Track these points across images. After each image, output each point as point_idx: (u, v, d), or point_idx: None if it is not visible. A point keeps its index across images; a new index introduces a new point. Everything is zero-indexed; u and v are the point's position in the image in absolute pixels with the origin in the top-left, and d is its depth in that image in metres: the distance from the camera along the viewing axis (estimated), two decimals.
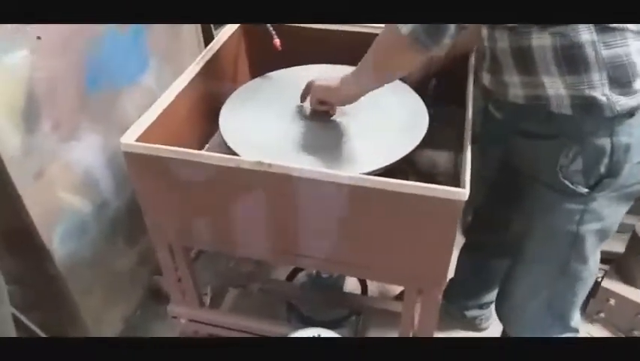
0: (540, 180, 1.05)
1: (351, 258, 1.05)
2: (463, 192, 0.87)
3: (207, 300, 1.46)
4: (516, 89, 0.99)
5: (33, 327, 1.39)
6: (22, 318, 1.37)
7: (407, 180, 0.91)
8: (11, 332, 1.09)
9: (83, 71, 1.29)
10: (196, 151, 0.98)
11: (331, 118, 1.19)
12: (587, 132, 0.95)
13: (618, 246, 1.65)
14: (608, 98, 0.90)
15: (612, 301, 1.58)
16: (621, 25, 0.87)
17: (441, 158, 1.24)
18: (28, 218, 1.21)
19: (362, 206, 0.94)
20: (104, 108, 1.38)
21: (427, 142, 1.13)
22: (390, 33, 0.94)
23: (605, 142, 0.94)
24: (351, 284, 1.59)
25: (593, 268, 1.15)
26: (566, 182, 1.00)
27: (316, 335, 1.12)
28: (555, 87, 0.93)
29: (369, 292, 1.54)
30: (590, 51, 0.88)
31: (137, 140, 1.01)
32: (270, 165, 0.94)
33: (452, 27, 0.87)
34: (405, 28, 0.89)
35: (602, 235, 1.10)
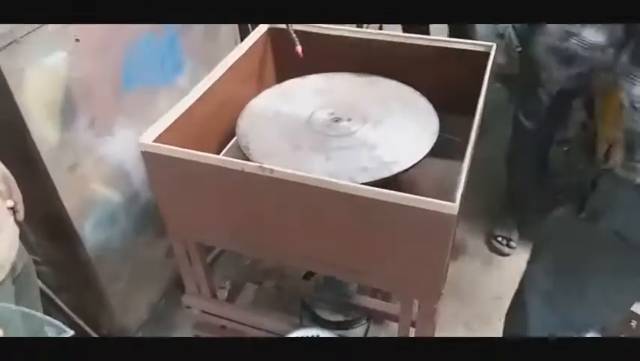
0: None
1: (347, 262, 1.08)
2: (453, 206, 0.88)
3: (225, 293, 1.53)
4: None
5: (64, 308, 1.50)
6: (55, 298, 1.48)
7: (412, 190, 0.93)
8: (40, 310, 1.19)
9: (119, 71, 1.39)
10: (204, 153, 1.03)
11: (342, 127, 1.22)
12: None
13: None
14: None
15: (634, 323, 1.53)
16: None
17: (449, 169, 1.24)
18: (62, 207, 1.31)
19: (357, 214, 0.97)
20: (139, 107, 1.47)
21: (436, 152, 1.14)
22: None
23: None
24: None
25: None
26: None
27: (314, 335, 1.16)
28: None
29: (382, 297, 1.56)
30: None
31: (155, 140, 1.08)
32: (271, 170, 0.98)
33: None
34: None
35: None
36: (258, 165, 0.99)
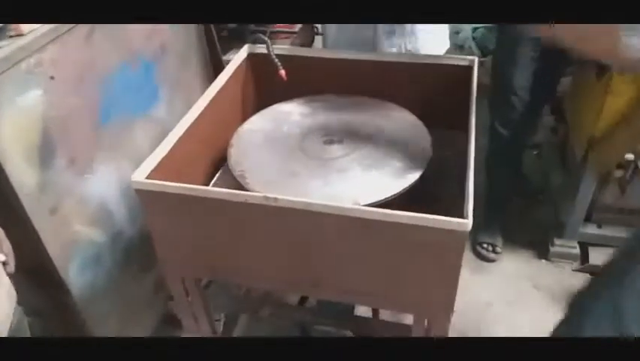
0: None
1: (357, 287, 1.06)
2: (466, 223, 0.89)
3: (220, 326, 1.48)
4: None
5: None
6: None
7: (412, 208, 0.92)
8: None
9: (96, 106, 1.34)
10: (204, 187, 1.01)
11: (335, 149, 1.21)
12: None
13: None
14: None
15: None
16: None
17: (447, 185, 1.25)
18: (46, 253, 1.25)
19: (365, 237, 0.96)
20: (117, 141, 1.43)
21: (431, 169, 1.14)
22: None
23: None
24: (364, 307, 1.59)
25: None
26: None
27: None
28: None
29: (382, 316, 1.55)
30: None
31: (148, 176, 1.04)
32: (275, 199, 0.96)
33: None
34: None
35: None
36: (262, 195, 0.96)
